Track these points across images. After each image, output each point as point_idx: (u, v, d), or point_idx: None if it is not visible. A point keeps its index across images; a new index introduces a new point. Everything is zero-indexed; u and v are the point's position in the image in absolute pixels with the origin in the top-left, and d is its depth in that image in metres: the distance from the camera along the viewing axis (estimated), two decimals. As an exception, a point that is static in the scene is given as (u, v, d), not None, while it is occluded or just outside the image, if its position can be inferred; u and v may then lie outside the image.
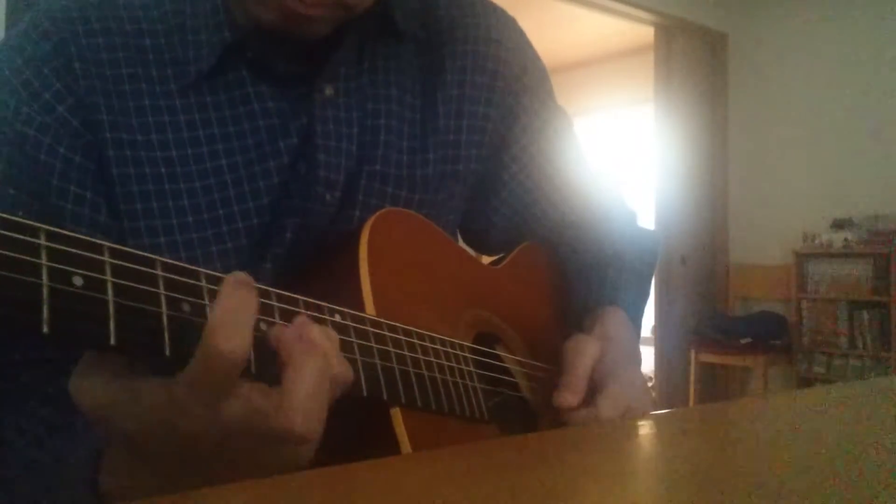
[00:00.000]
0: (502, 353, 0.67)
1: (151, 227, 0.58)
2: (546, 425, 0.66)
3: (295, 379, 0.39)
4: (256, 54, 0.60)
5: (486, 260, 0.76)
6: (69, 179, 0.57)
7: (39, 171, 0.57)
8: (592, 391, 0.60)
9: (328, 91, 0.62)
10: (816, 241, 4.20)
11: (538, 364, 0.69)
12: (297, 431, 0.38)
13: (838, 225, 4.15)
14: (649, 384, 4.13)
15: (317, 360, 0.39)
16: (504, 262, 0.74)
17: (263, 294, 0.42)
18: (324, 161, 0.61)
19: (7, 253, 0.32)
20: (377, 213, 0.58)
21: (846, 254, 4.09)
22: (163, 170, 0.58)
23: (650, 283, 0.80)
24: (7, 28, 2.35)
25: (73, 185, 0.57)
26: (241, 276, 0.38)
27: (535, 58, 0.78)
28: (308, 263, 0.61)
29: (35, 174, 0.57)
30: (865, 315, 4.04)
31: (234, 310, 0.37)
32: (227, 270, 0.41)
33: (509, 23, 0.76)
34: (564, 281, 0.77)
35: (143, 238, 0.58)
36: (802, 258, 4.24)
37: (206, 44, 0.60)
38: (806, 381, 4.19)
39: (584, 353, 0.61)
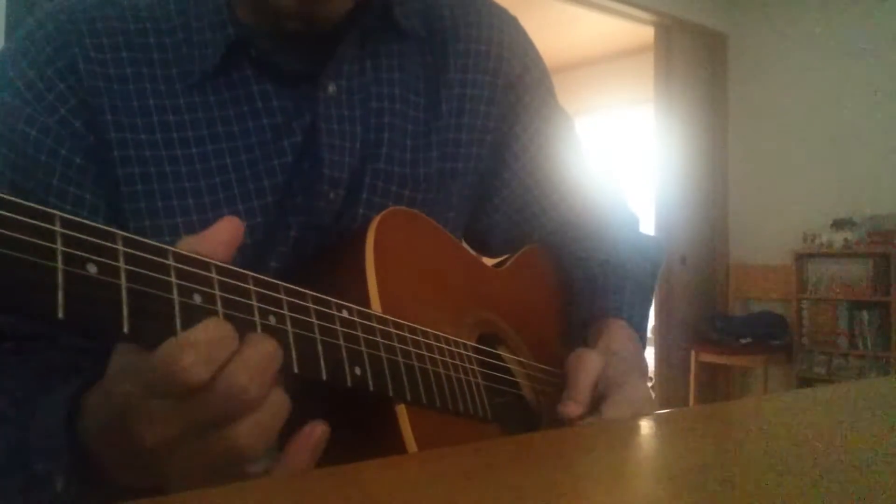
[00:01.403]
0: (504, 354, 0.67)
1: (156, 227, 0.58)
2: (546, 426, 0.66)
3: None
4: (260, 52, 0.61)
5: (489, 262, 0.76)
6: (69, 181, 0.57)
7: (40, 172, 0.57)
8: (597, 402, 0.60)
9: (331, 89, 0.62)
10: (816, 241, 4.20)
11: (540, 366, 0.69)
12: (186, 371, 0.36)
13: (838, 225, 4.15)
14: (649, 384, 4.11)
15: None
16: (508, 264, 0.74)
17: (272, 287, 0.43)
18: (328, 159, 0.61)
19: (24, 238, 0.32)
20: (383, 213, 0.58)
21: (846, 254, 4.08)
22: (167, 169, 0.59)
23: (653, 291, 0.80)
24: (7, 30, 2.35)
25: (73, 187, 0.58)
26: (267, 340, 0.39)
27: (536, 57, 0.78)
28: (313, 262, 0.61)
29: (35, 175, 0.57)
30: (865, 315, 4.03)
31: (215, 341, 0.37)
32: None
33: (511, 22, 0.77)
34: (568, 288, 0.78)
35: (148, 238, 0.58)
36: (802, 258, 4.24)
37: (210, 42, 0.60)
38: (806, 381, 4.19)
39: (588, 365, 0.61)
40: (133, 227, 0.58)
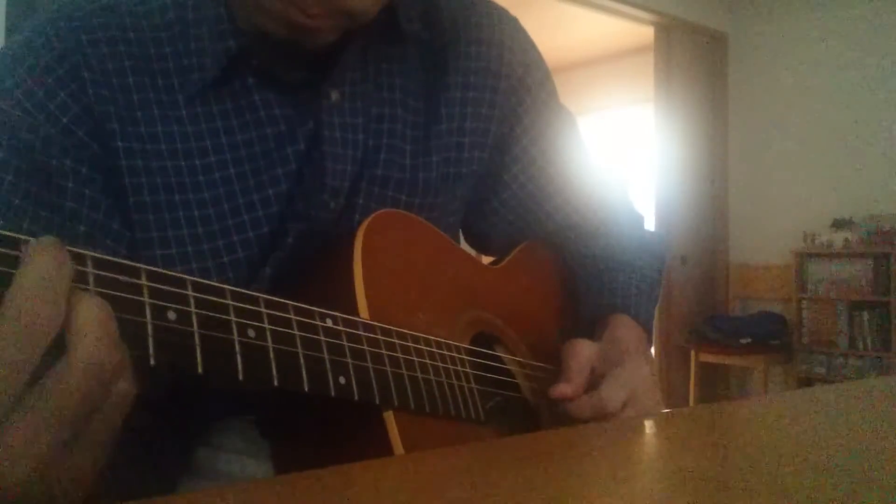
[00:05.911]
0: (501, 354, 0.67)
1: (163, 239, 0.58)
2: (546, 425, 0.66)
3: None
4: (261, 62, 0.60)
5: (486, 260, 0.75)
6: (78, 192, 0.56)
7: (53, 175, 0.55)
8: (595, 385, 0.60)
9: (334, 96, 0.62)
10: (816, 241, 4.20)
11: (538, 364, 0.69)
12: None
13: (838, 225, 4.15)
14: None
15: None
16: (504, 262, 0.74)
17: (251, 300, 0.42)
18: (331, 169, 0.61)
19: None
20: (372, 215, 0.57)
21: (846, 254, 4.08)
22: (173, 179, 0.58)
23: (660, 288, 0.80)
24: (7, 30, 2.34)
25: (88, 190, 0.56)
26: (51, 239, 0.32)
27: (537, 58, 0.77)
28: (304, 268, 0.60)
29: (48, 180, 0.55)
30: (865, 315, 4.03)
31: (50, 276, 0.31)
32: (238, 281, 0.40)
33: (512, 23, 0.76)
34: (570, 285, 0.77)
35: (155, 249, 0.58)
36: (802, 258, 4.23)
37: (210, 53, 0.59)
38: (806, 381, 4.19)
39: (580, 350, 0.62)
40: (141, 239, 0.57)
